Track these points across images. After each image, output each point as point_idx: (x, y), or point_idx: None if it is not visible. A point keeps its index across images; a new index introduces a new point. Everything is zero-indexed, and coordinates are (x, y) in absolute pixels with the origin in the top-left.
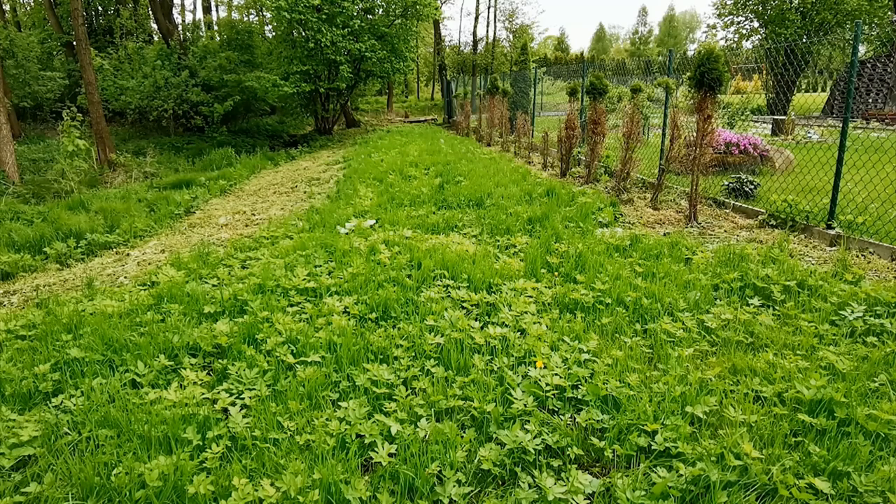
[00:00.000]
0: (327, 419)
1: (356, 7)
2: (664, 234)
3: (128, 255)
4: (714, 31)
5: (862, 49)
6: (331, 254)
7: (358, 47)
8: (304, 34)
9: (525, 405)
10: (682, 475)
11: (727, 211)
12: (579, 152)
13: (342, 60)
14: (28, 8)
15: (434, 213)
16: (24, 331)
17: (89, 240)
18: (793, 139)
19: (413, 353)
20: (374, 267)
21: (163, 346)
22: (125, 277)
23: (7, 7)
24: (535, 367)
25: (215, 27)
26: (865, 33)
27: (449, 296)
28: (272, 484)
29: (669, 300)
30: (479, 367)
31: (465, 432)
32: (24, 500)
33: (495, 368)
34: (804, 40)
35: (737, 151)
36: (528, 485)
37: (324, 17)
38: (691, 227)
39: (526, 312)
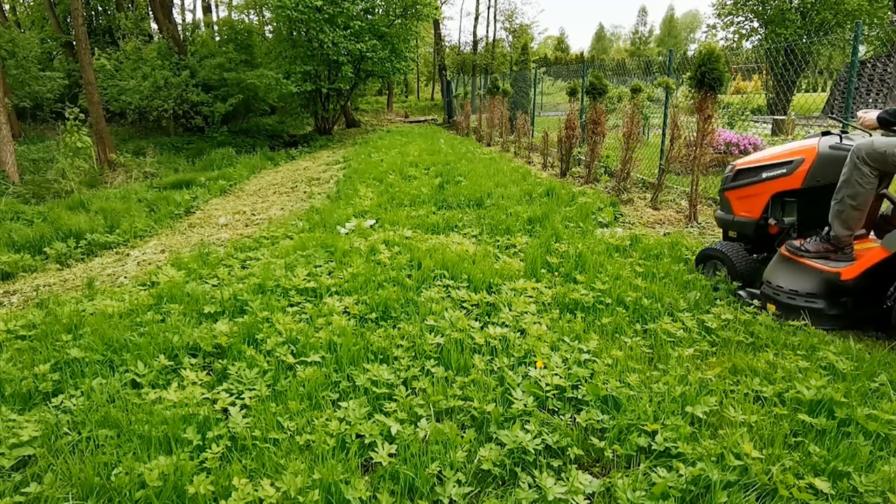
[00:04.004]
0: (327, 419)
1: (356, 7)
2: (664, 234)
3: (128, 255)
4: (714, 31)
5: (862, 49)
6: (331, 254)
7: (359, 47)
8: (304, 34)
9: (525, 405)
10: (682, 475)
11: None
12: (579, 152)
13: (344, 61)
14: (28, 8)
15: (434, 213)
16: (24, 331)
17: (89, 240)
18: (793, 139)
19: (413, 354)
20: (374, 267)
21: (163, 346)
22: (125, 277)
23: (7, 7)
24: (536, 368)
25: (215, 27)
26: (865, 33)
27: (449, 296)
28: (272, 484)
29: (669, 300)
30: (479, 367)
31: (465, 432)
32: (24, 500)
33: (495, 368)
34: (804, 40)
35: (737, 151)
36: (528, 485)
37: (325, 17)
38: (691, 227)
39: (526, 312)
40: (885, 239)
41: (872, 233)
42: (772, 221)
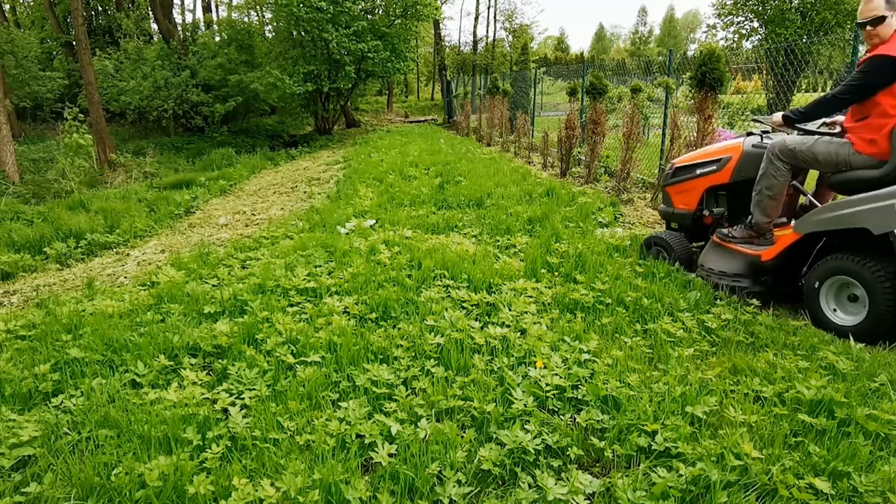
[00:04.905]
0: (327, 419)
1: (357, 7)
2: None
3: (128, 255)
4: (714, 31)
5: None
6: (331, 254)
7: (360, 47)
8: (306, 34)
9: (525, 405)
10: (682, 475)
11: None
12: (579, 152)
13: (347, 61)
14: (28, 8)
15: (434, 213)
16: (24, 331)
17: (89, 240)
18: None
19: (413, 353)
20: (374, 267)
21: (163, 346)
22: (125, 277)
23: (7, 7)
24: (536, 368)
25: (215, 27)
26: None
27: (449, 296)
28: (272, 484)
29: (669, 300)
30: (479, 367)
31: (465, 432)
32: (24, 500)
33: (495, 368)
34: (804, 40)
35: None
36: (528, 485)
37: (327, 17)
38: None
39: (526, 312)
40: (796, 223)
41: (793, 222)
42: (706, 213)
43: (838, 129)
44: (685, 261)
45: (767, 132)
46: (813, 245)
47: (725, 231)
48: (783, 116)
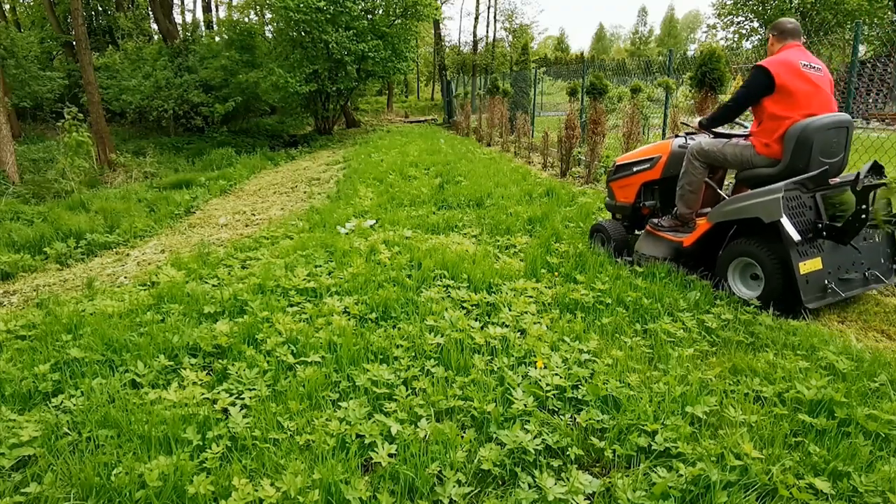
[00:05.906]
0: (327, 419)
1: (358, 7)
2: None
3: (128, 255)
4: (714, 31)
5: (862, 49)
6: (331, 254)
7: (361, 48)
8: (306, 35)
9: (525, 405)
10: (682, 475)
11: None
12: (579, 152)
13: (349, 61)
14: (28, 8)
15: (434, 213)
16: (24, 331)
17: (89, 240)
18: None
19: (413, 354)
20: (374, 267)
21: (163, 346)
22: (125, 277)
23: (7, 7)
24: (536, 368)
25: (216, 27)
26: (865, 33)
27: (449, 296)
28: (272, 484)
29: (669, 300)
30: (480, 367)
31: (465, 432)
32: (24, 500)
33: (495, 368)
34: (804, 40)
35: None
36: (528, 485)
37: (327, 17)
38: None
39: (526, 312)
40: (709, 214)
41: None
42: (643, 205)
43: (746, 131)
44: (622, 246)
45: (692, 134)
46: (726, 232)
47: (656, 221)
48: (699, 123)
